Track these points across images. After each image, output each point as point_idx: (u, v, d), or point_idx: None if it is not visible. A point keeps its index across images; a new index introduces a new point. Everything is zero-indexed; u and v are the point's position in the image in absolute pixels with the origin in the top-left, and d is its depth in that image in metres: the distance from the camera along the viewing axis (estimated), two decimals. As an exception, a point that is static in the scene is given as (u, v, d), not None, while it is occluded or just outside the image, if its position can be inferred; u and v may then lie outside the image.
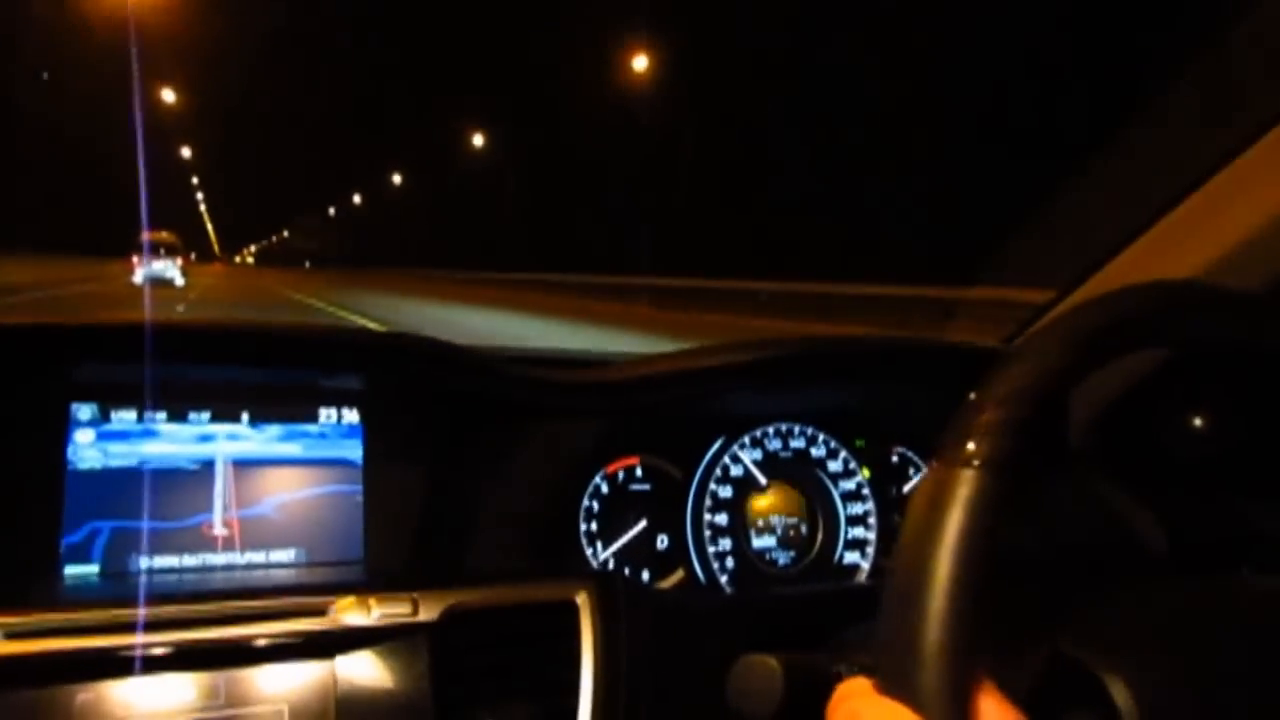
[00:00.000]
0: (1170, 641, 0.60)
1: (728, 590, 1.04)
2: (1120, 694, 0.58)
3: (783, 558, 1.08)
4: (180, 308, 13.32)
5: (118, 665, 0.68)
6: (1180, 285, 0.52)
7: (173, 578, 0.86)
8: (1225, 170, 0.92)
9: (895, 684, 0.41)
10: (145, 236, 23.57)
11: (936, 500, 0.43)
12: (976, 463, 0.43)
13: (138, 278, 21.65)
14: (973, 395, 0.47)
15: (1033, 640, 0.63)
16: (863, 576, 1.08)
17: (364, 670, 0.74)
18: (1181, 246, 0.96)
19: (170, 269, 23.17)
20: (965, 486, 0.43)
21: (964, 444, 0.44)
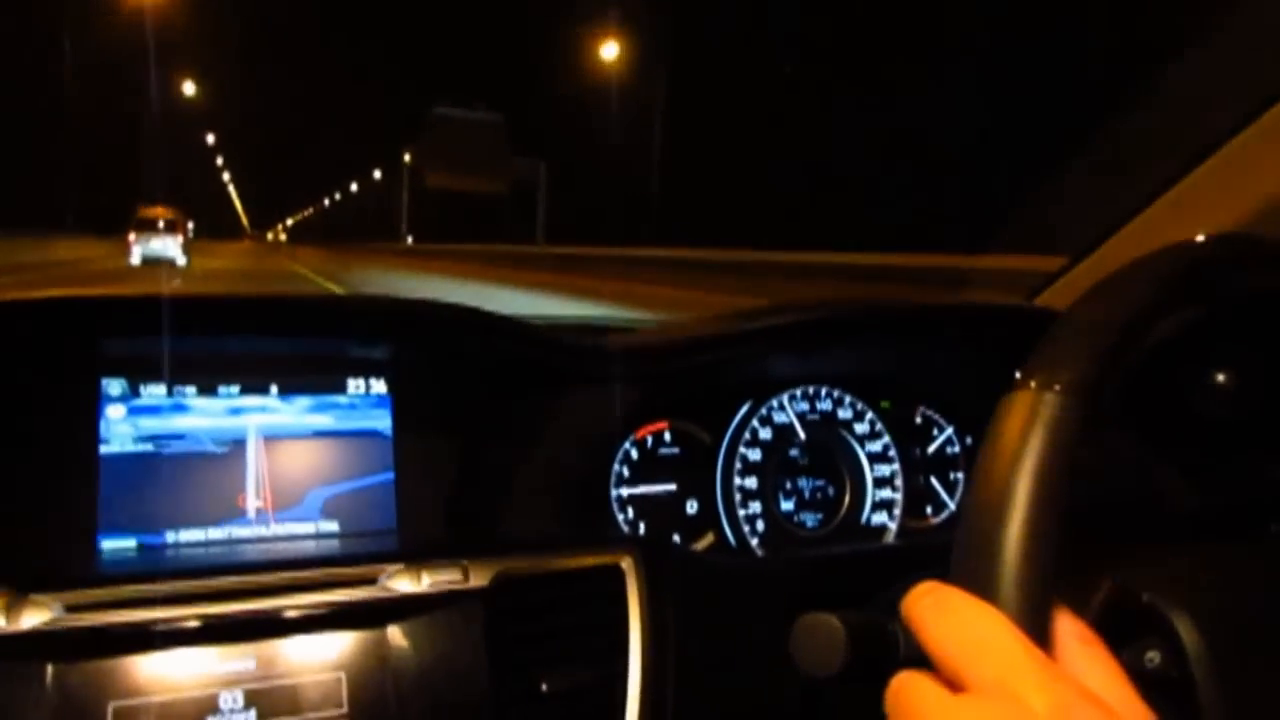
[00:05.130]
0: (1235, 580, 0.61)
1: (758, 553, 1.04)
2: (1186, 630, 0.59)
3: (811, 520, 1.09)
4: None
5: (173, 637, 0.68)
6: (1265, 239, 0.53)
7: (210, 550, 0.85)
8: (1239, 134, 0.94)
9: (974, 587, 0.41)
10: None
11: (1021, 419, 0.44)
12: (1058, 386, 0.44)
13: (134, 258, 19.66)
14: (1062, 320, 0.47)
15: (1092, 579, 0.64)
16: (890, 537, 1.09)
17: (418, 637, 0.74)
18: (1196, 210, 0.98)
19: (170, 247, 20.78)
20: (1049, 408, 0.44)
21: (1050, 367, 0.45)
